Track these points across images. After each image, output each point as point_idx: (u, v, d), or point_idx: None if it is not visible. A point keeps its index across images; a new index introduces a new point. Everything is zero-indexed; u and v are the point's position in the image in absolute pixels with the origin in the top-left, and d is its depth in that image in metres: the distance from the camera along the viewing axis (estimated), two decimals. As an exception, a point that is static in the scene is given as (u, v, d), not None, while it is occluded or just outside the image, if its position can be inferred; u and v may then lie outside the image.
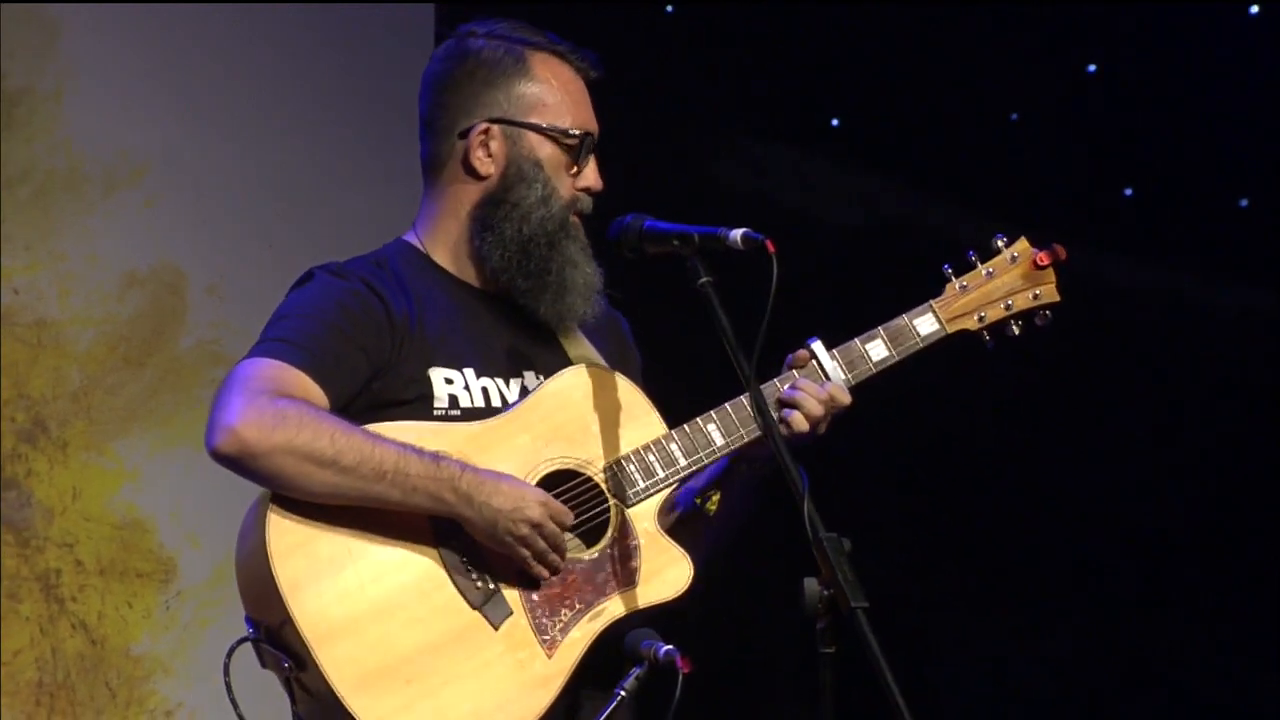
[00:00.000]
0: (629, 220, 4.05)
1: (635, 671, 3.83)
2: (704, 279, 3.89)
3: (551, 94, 4.17)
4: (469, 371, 4.10)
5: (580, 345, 4.22)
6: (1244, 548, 7.15)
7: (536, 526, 3.92)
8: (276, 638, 3.89)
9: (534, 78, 4.18)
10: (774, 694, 7.14)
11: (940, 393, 6.68)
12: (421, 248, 4.22)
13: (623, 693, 3.81)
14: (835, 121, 7.23)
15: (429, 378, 4.07)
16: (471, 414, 4.07)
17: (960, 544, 7.16)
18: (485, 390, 4.10)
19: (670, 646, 3.84)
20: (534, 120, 4.15)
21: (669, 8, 7.08)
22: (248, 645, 3.94)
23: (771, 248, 3.83)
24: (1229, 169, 7.09)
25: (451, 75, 4.23)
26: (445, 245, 4.20)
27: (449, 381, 4.08)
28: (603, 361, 4.21)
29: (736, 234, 3.90)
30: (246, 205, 6.48)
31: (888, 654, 3.47)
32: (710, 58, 7.08)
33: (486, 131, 4.16)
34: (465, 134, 4.19)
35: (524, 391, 4.12)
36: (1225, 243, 7.12)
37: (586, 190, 4.17)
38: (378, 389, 4.05)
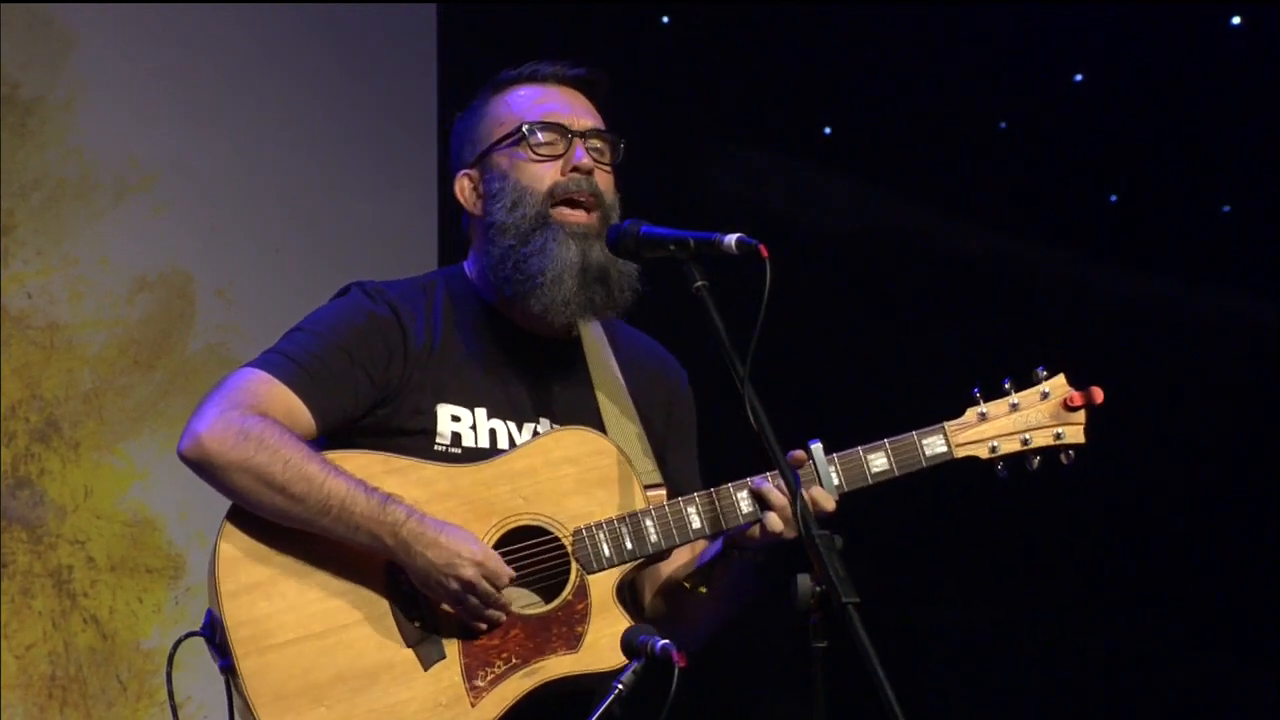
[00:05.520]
0: (626, 225, 4.05)
1: (632, 665, 3.79)
2: (699, 283, 3.88)
3: (504, 114, 4.22)
4: (480, 411, 4.13)
5: (616, 399, 4.21)
6: (1230, 546, 7.17)
7: (467, 584, 3.91)
8: (220, 639, 3.93)
9: (488, 113, 4.24)
10: (767, 688, 7.15)
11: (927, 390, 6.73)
12: (469, 279, 4.24)
13: (620, 686, 3.77)
14: (827, 130, 7.28)
15: (435, 413, 4.10)
16: (474, 453, 4.09)
17: (950, 540, 7.19)
18: (493, 431, 4.12)
19: (666, 641, 3.79)
20: (490, 143, 4.21)
21: (665, 18, 7.11)
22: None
23: (765, 252, 3.81)
24: (1212, 176, 7.11)
25: (450, 152, 4.32)
26: (482, 280, 4.22)
27: (455, 419, 4.10)
28: (634, 417, 4.21)
29: (731, 239, 3.87)
30: (254, 211, 6.49)
31: (879, 649, 3.48)
32: (705, 67, 7.09)
33: (463, 179, 4.24)
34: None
35: (535, 437, 4.13)
36: (1209, 248, 7.16)
37: (575, 170, 4.16)
38: (383, 415, 4.09)
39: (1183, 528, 7.18)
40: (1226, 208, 7.15)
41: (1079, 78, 7.14)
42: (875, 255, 7.20)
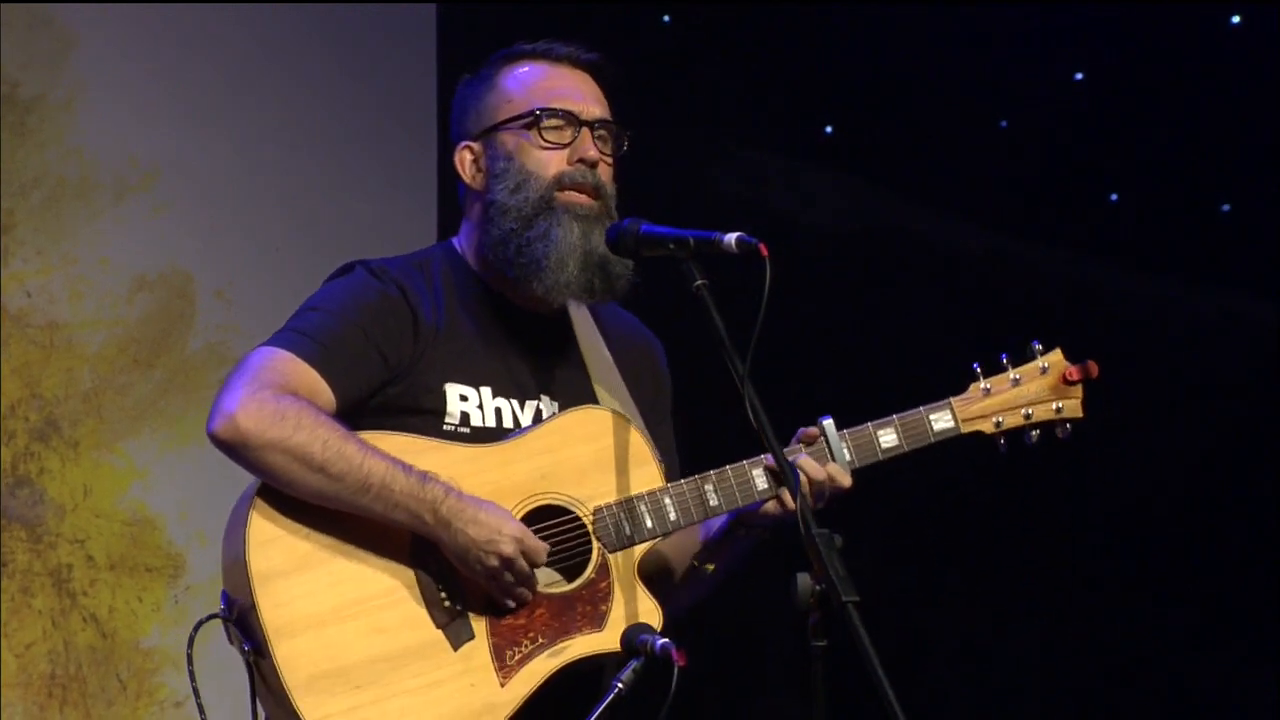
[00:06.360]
0: (626, 224, 4.06)
1: (632, 664, 3.81)
2: (699, 282, 3.89)
3: (514, 92, 4.20)
4: (485, 390, 4.12)
5: (607, 375, 4.22)
6: (1230, 546, 7.19)
7: (507, 561, 3.91)
8: (243, 621, 3.90)
9: (497, 86, 4.22)
10: (767, 687, 7.16)
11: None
12: (462, 255, 4.24)
13: (620, 685, 3.79)
14: (828, 129, 7.29)
15: (444, 392, 4.09)
16: (481, 433, 4.09)
17: (950, 539, 7.21)
18: (499, 410, 4.12)
19: (666, 640, 3.83)
20: (498, 120, 4.19)
21: (666, 17, 7.13)
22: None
23: (765, 251, 3.82)
24: (1212, 175, 7.14)
25: (451, 117, 4.30)
26: (476, 257, 4.21)
27: (464, 399, 4.10)
28: (625, 394, 4.22)
29: (731, 238, 3.88)
30: (253, 211, 6.49)
31: (878, 648, 3.48)
32: (706, 67, 7.12)
33: (465, 151, 4.22)
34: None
35: (538, 414, 4.14)
36: (1209, 248, 7.18)
37: (581, 161, 4.16)
38: (393, 394, 4.07)
39: (1183, 527, 7.19)
40: (1226, 208, 7.16)
41: (1079, 77, 7.16)
42: (875, 255, 7.22)
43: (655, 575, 4.21)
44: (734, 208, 7.07)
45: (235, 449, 3.91)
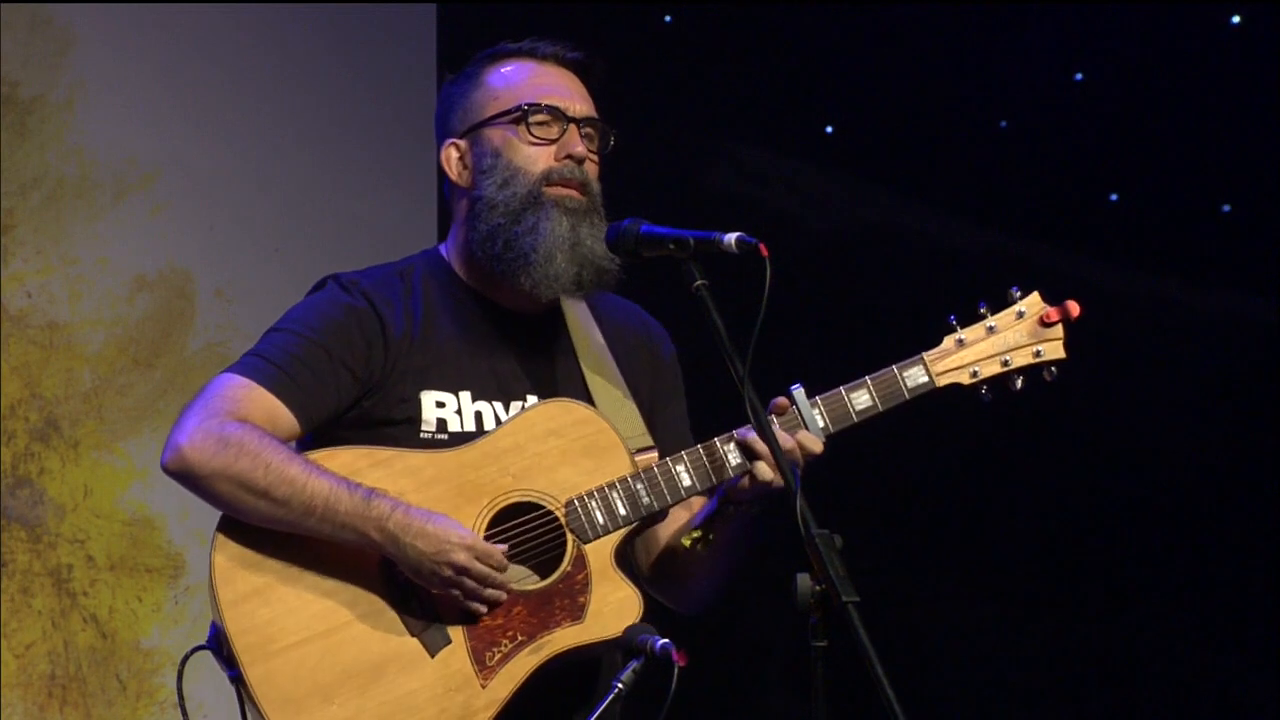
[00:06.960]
0: (626, 224, 4.06)
1: (632, 664, 3.82)
2: (699, 282, 3.90)
3: (501, 89, 4.21)
4: (464, 395, 4.13)
5: (602, 368, 4.22)
6: (1230, 546, 7.19)
7: (461, 569, 3.91)
8: (226, 650, 3.94)
9: (483, 83, 4.23)
10: (767, 687, 7.16)
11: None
12: (448, 260, 4.24)
13: (620, 685, 3.79)
14: (829, 129, 7.29)
15: (419, 400, 4.10)
16: (460, 438, 4.08)
17: (951, 539, 7.20)
18: (479, 414, 4.12)
19: (666, 640, 3.83)
20: (484, 117, 4.20)
21: (667, 17, 7.14)
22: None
23: (765, 251, 3.82)
24: (1212, 175, 7.12)
25: (435, 115, 4.30)
26: (462, 258, 4.22)
27: (440, 405, 4.10)
28: (622, 384, 4.22)
29: (731, 238, 3.89)
30: (253, 210, 6.50)
31: (879, 648, 3.49)
32: (707, 67, 7.13)
33: (451, 148, 4.23)
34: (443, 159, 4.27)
35: (517, 413, 4.13)
36: (1208, 248, 7.17)
37: (569, 158, 4.17)
38: (368, 407, 4.09)
39: (1183, 527, 7.18)
40: (1226, 208, 7.15)
41: (1079, 77, 7.15)
42: (875, 255, 7.21)
43: (659, 564, 4.23)
44: (734, 208, 7.07)
45: (185, 480, 3.95)
